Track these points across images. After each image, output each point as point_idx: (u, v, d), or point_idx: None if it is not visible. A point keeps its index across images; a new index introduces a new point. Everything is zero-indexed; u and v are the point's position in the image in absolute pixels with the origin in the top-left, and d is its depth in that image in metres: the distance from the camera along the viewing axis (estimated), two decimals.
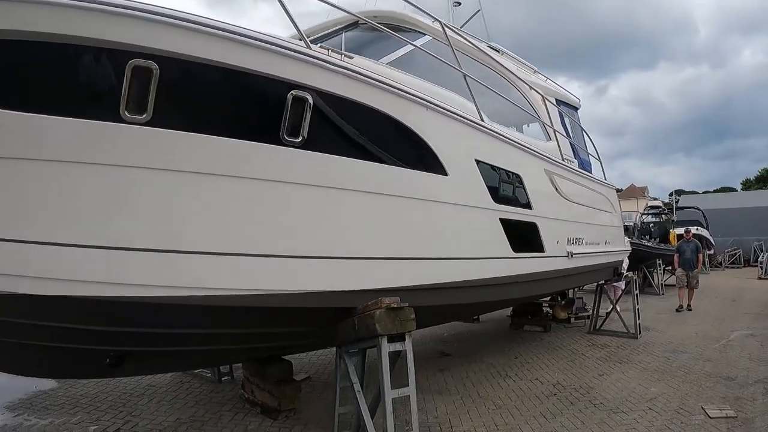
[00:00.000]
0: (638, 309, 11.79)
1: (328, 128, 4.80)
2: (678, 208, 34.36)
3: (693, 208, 33.77)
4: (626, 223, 23.28)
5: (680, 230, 26.29)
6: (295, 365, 9.41)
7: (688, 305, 15.79)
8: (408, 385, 5.04)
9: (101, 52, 3.63)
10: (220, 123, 4.16)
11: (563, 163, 8.73)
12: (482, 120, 6.55)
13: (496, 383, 8.31)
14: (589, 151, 11.45)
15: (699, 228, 29.17)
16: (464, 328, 13.27)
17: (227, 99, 4.26)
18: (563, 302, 13.09)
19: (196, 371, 8.55)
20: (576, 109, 11.84)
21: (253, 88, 4.31)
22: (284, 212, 4.60)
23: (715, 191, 79.43)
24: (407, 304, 4.92)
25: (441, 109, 5.80)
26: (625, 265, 14.49)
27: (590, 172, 10.81)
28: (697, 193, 73.03)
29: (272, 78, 4.32)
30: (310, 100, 4.47)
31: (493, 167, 6.69)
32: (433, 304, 5.84)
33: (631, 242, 16.17)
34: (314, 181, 4.71)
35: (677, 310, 15.49)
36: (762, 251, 34.09)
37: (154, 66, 3.76)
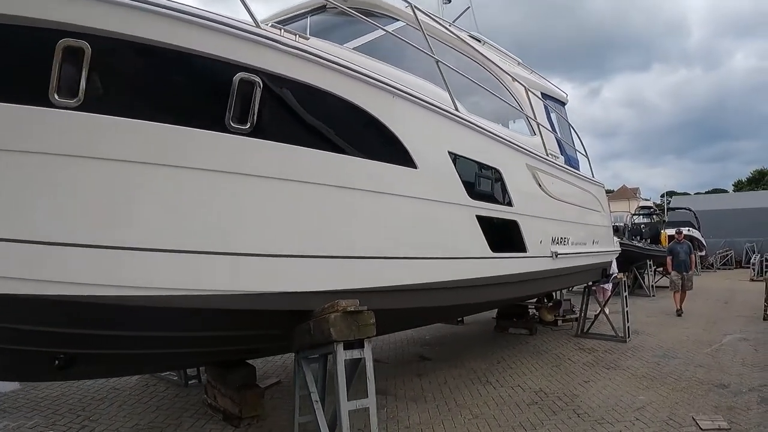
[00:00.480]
0: (627, 312, 11.35)
1: (280, 115, 4.36)
2: (669, 209, 34.03)
3: (684, 209, 33.47)
4: (617, 224, 22.90)
5: (672, 231, 26.01)
6: (266, 368, 9.07)
7: (680, 308, 15.19)
8: (368, 397, 4.50)
9: (29, 32, 3.23)
10: (158, 107, 3.73)
11: (547, 158, 8.28)
12: (457, 110, 6.08)
13: (475, 390, 7.84)
14: (576, 148, 11.01)
15: (690, 229, 28.86)
16: (447, 331, 12.82)
17: (165, 81, 3.81)
18: (549, 304, 12.65)
19: (162, 374, 8.18)
20: (563, 104, 11.40)
21: (196, 69, 3.87)
22: (230, 205, 4.14)
23: (707, 193, 79.33)
24: (366, 308, 4.43)
25: (410, 96, 5.34)
26: (614, 266, 14.10)
27: (578, 170, 10.35)
28: (689, 194, 72.80)
29: (217, 59, 3.88)
30: (260, 84, 4.04)
31: (468, 161, 6.24)
32: (399, 308, 5.38)
33: (620, 243, 15.76)
34: (265, 172, 4.26)
35: (678, 315, 14.90)
36: (754, 253, 33.80)
37: (86, 45, 3.34)
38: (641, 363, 9.33)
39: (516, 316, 12.25)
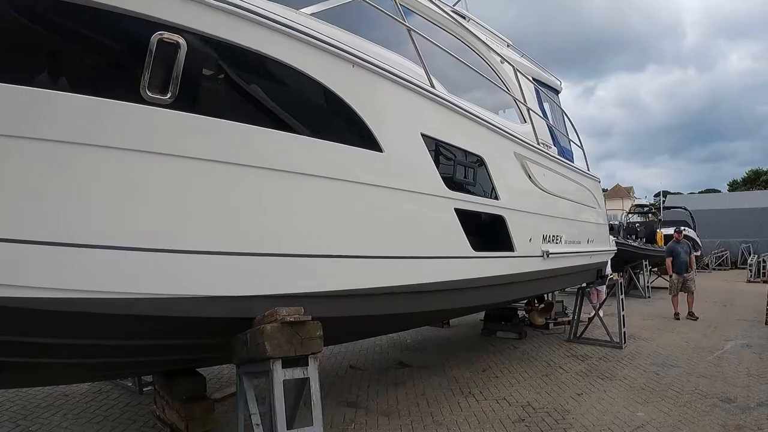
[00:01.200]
0: (624, 315, 10.55)
1: (211, 84, 3.61)
2: (665, 208, 33.30)
3: (680, 208, 32.75)
4: (611, 222, 22.16)
5: (667, 230, 25.28)
6: (227, 376, 8.21)
7: (691, 312, 14.16)
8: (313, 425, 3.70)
9: None
10: (51, 72, 3.00)
11: (539, 147, 7.48)
12: (433, 87, 5.27)
13: (455, 403, 7.08)
14: (571, 138, 10.22)
15: (686, 228, 28.04)
16: (431, 334, 12.02)
17: (60, 40, 3.05)
18: (540, 306, 11.83)
19: (117, 380, 7.50)
20: (557, 92, 10.61)
21: (102, 27, 3.11)
22: (142, 191, 3.33)
23: (701, 193, 78.78)
24: (310, 318, 3.64)
25: (374, 67, 4.52)
26: (609, 267, 13.34)
27: (572, 162, 9.57)
28: (682, 194, 72.21)
29: (129, 15, 3.12)
30: (184, 46, 3.25)
31: (446, 146, 5.46)
32: (359, 315, 4.58)
33: (616, 242, 15.00)
34: (188, 151, 3.45)
35: (676, 318, 14.03)
36: (751, 254, 33.16)
37: None
38: (639, 372, 8.56)
39: (504, 319, 11.45)
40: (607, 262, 11.56)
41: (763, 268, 27.24)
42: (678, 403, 6.99)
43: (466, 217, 5.64)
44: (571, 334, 11.07)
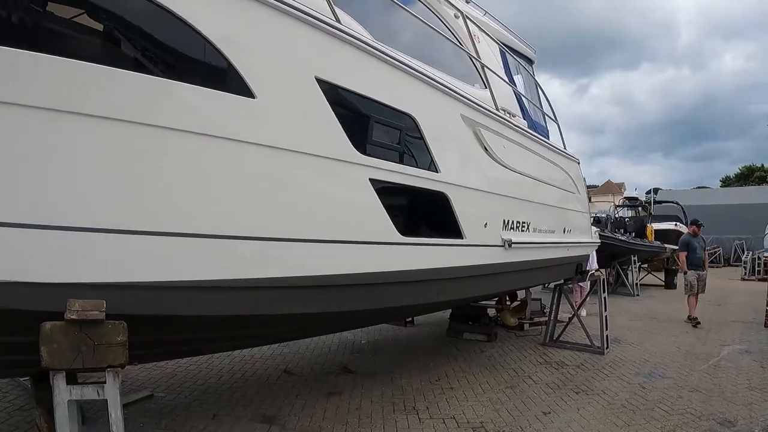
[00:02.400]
0: (606, 317, 9.19)
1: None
2: (656, 202, 31.90)
3: (671, 202, 31.33)
4: (599, 215, 20.82)
5: (659, 225, 24.04)
6: (142, 378, 7.16)
7: (691, 316, 12.34)
8: None
9: None
10: None
11: (498, 114, 6.09)
12: (338, 21, 3.88)
13: (393, 421, 5.80)
14: (545, 112, 8.84)
15: (678, 224, 26.86)
16: (391, 333, 10.70)
17: None
18: (513, 305, 10.46)
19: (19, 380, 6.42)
20: (530, 62, 9.20)
21: None
22: None
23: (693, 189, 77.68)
24: (103, 316, 2.33)
25: None
26: (593, 261, 11.98)
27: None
28: (673, 191, 71.01)
29: None
30: None
31: (356, 97, 4.08)
32: (221, 315, 3.21)
33: (601, 235, 13.66)
34: None
35: (694, 326, 11.85)
36: (744, 251, 31.96)
37: None
38: (621, 385, 7.23)
39: (472, 318, 10.09)
40: (588, 256, 10.21)
41: (758, 266, 25.98)
42: (667, 426, 5.71)
43: (388, 192, 4.29)
44: (547, 337, 9.72)
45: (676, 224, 26.64)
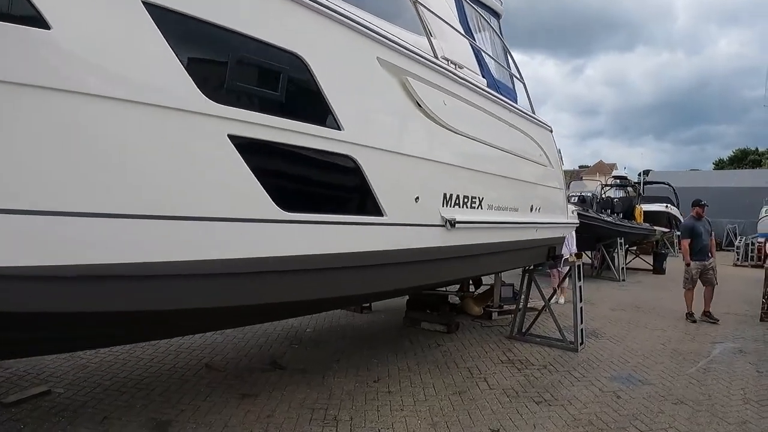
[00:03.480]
0: (581, 309, 7.96)
1: None
2: (646, 183, 30.66)
3: (663, 183, 30.06)
4: (584, 193, 19.56)
5: (649, 207, 22.84)
6: (51, 369, 6.31)
7: (708, 312, 10.52)
8: None
9: None
10: None
11: (435, 61, 4.75)
12: None
13: None
14: (513, 73, 7.50)
15: (669, 206, 25.70)
16: (343, 322, 9.53)
17: None
18: (477, 292, 9.22)
19: None
20: (496, 15, 7.79)
21: None
22: None
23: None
24: None
25: None
26: (571, 245, 10.75)
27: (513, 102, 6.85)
28: (667, 172, 69.82)
29: None
30: None
31: (207, 27, 2.84)
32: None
33: (582, 215, 12.42)
34: None
35: (691, 320, 10.37)
36: (737, 236, 30.88)
37: None
38: (592, 393, 6.05)
39: (430, 306, 8.85)
40: (564, 238, 8.97)
41: (752, 252, 24.89)
42: None
43: (260, 153, 3.10)
44: (514, 330, 8.50)
45: (667, 206, 25.49)
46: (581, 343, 7.85)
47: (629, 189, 24.02)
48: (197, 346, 7.52)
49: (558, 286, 10.23)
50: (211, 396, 5.70)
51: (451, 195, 4.93)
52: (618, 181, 24.77)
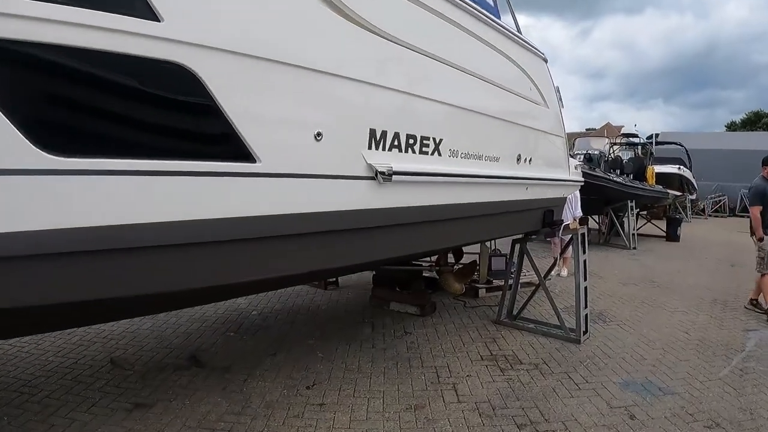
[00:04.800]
0: (585, 289, 6.33)
1: None
2: (658, 143, 28.64)
3: (675, 143, 28.07)
4: (591, 152, 17.74)
5: (662, 168, 20.99)
6: None
7: (755, 301, 8.03)
8: None
9: None
10: None
11: None
12: None
13: None
14: None
15: (681, 167, 23.77)
16: (299, 301, 7.98)
17: None
18: (457, 266, 7.59)
19: None
20: None
21: None
22: None
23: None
24: None
25: None
26: (576, 208, 9.10)
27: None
28: (678, 133, 67.26)
29: None
30: None
31: None
32: None
33: (591, 175, 10.72)
34: None
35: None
36: None
37: None
38: (596, 411, 4.48)
39: (400, 283, 7.24)
40: (564, 199, 7.27)
41: None
42: None
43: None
44: (502, 313, 6.87)
45: (679, 168, 23.59)
46: (585, 333, 6.23)
47: (640, 148, 22.08)
48: (117, 335, 6.13)
49: (560, 256, 8.55)
50: (98, 404, 4.37)
51: (384, 133, 3.27)
52: (627, 139, 22.77)
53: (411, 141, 3.54)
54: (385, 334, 6.39)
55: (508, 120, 4.93)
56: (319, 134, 2.85)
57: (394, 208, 3.54)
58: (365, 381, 4.96)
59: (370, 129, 3.22)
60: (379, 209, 3.40)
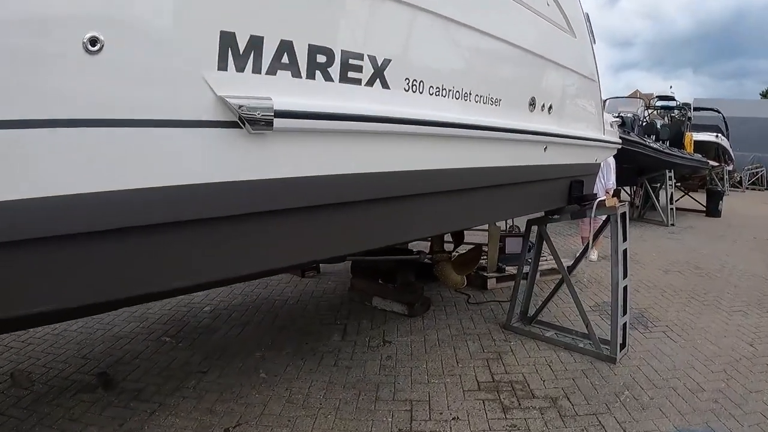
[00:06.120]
0: (625, 290, 4.67)
1: None
2: (694, 109, 26.32)
3: (712, 110, 25.81)
4: (623, 113, 15.78)
5: (697, 135, 19.01)
6: None
7: None
8: None
9: None
10: None
11: None
12: None
13: None
14: None
15: (719, 135, 21.81)
16: (269, 292, 6.52)
17: None
18: (457, 253, 5.95)
19: None
20: None
21: None
22: None
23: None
24: None
25: None
26: (609, 176, 7.47)
27: None
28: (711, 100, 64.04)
29: None
30: None
31: None
32: None
33: (628, 140, 8.99)
34: None
35: None
36: None
37: None
38: None
39: (383, 275, 5.70)
40: (598, 166, 5.60)
41: None
42: None
43: None
44: (512, 316, 5.29)
45: (717, 136, 21.66)
46: (623, 348, 4.62)
47: (677, 113, 20.01)
48: (38, 338, 4.87)
49: (592, 241, 6.88)
50: None
51: (255, 41, 1.69)
52: (663, 101, 20.63)
53: (321, 59, 1.94)
54: (357, 343, 4.88)
55: (513, 43, 3.25)
56: (93, 41, 1.31)
57: (284, 180, 1.95)
58: (306, 424, 3.46)
59: (223, 32, 1.65)
60: (253, 182, 1.83)
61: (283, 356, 4.60)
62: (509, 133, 3.25)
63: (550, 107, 3.76)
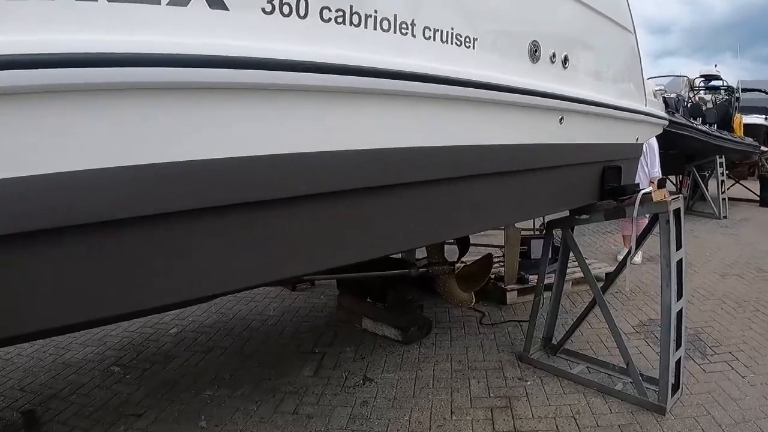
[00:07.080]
0: (678, 315, 3.48)
1: None
2: (742, 90, 24.37)
3: (760, 90, 23.88)
4: (665, 94, 14.26)
5: (748, 118, 17.40)
6: None
7: None
8: None
9: None
10: None
11: None
12: None
13: None
14: None
15: None
16: (250, 307, 5.59)
17: None
18: (458, 263, 4.73)
19: None
20: None
21: None
22: None
23: None
24: None
25: None
26: (654, 164, 6.28)
27: None
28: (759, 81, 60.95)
29: None
30: None
31: None
32: None
33: (671, 120, 7.68)
34: None
35: None
36: None
37: None
38: None
39: (373, 293, 4.63)
40: (639, 150, 4.39)
41: None
42: None
43: None
44: (529, 344, 4.15)
45: (766, 118, 20.00)
46: (676, 390, 3.45)
47: (724, 93, 18.37)
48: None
49: (636, 246, 5.55)
50: None
51: None
52: (708, 80, 19.00)
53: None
54: (331, 380, 3.85)
55: None
56: None
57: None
58: None
59: None
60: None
61: (235, 398, 3.62)
62: (493, 92, 2.10)
63: (565, 59, 2.60)
